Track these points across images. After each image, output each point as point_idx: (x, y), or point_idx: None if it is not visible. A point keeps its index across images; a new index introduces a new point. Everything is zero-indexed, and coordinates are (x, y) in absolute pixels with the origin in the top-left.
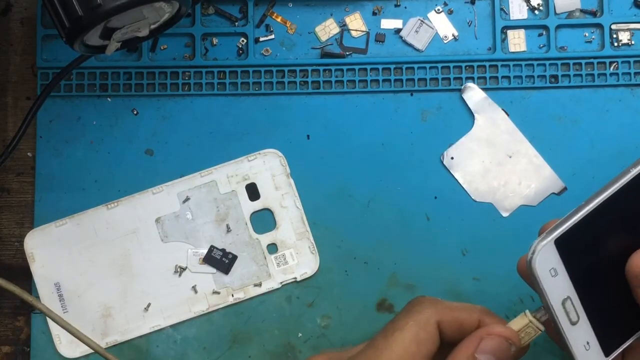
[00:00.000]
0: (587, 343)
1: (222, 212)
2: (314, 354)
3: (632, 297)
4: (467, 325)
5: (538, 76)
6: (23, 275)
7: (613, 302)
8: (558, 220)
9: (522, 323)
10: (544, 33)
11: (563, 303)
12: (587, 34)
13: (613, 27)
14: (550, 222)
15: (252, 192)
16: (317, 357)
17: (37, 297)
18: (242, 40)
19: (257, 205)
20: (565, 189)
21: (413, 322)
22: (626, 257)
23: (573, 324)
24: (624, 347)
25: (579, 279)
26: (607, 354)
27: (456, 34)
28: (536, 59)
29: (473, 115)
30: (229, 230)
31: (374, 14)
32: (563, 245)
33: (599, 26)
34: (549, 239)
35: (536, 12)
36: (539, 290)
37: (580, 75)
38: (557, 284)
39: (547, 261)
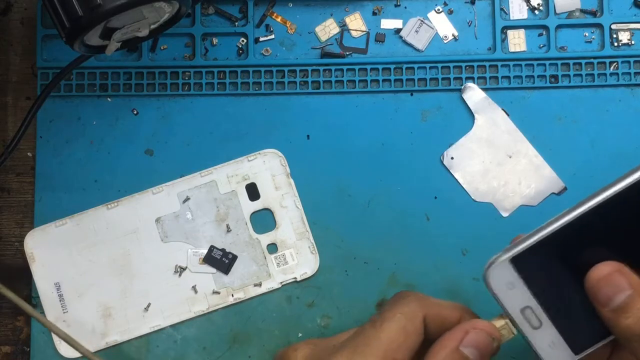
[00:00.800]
0: (553, 343)
1: (222, 212)
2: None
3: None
4: (449, 322)
5: (538, 76)
6: (23, 275)
7: (577, 311)
8: (525, 236)
9: (500, 323)
10: (544, 33)
11: (522, 311)
12: (587, 34)
13: (613, 27)
14: (518, 237)
15: (252, 192)
16: (301, 343)
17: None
18: (242, 40)
19: (257, 205)
20: (565, 189)
21: (401, 314)
22: (585, 272)
23: (535, 328)
24: (596, 347)
25: (538, 292)
26: (576, 353)
27: (456, 34)
28: (536, 59)
29: (473, 115)
30: (229, 230)
31: (374, 14)
32: (520, 262)
33: (599, 26)
34: (504, 257)
35: (536, 12)
36: (497, 300)
37: (580, 75)
38: (514, 295)
39: (502, 277)
